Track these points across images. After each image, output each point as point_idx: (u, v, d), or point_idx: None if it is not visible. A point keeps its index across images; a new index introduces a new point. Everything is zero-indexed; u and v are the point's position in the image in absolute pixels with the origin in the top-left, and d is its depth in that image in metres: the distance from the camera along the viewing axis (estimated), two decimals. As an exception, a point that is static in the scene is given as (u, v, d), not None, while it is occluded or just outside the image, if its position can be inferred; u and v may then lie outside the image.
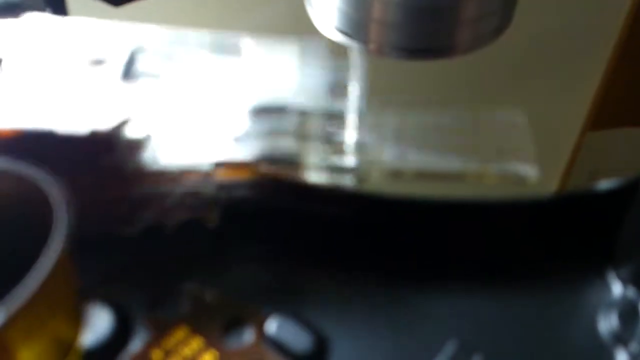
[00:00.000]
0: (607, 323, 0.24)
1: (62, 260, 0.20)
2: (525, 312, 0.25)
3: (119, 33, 0.26)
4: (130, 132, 0.24)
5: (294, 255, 0.27)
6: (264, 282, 0.26)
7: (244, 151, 0.25)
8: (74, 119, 0.23)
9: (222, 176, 0.26)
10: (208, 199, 0.26)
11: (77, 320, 0.22)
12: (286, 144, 0.25)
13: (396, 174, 0.25)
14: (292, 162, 0.25)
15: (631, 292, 0.25)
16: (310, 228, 0.27)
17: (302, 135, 0.25)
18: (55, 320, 0.21)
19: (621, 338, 0.24)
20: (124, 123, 0.23)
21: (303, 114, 0.25)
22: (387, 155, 0.25)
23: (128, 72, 0.25)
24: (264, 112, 0.24)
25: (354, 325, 0.24)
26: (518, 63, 0.36)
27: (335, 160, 0.25)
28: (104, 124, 0.23)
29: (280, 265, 0.26)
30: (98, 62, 0.25)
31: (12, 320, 0.18)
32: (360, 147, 0.25)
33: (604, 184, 0.27)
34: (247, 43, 0.25)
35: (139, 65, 0.26)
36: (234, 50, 0.25)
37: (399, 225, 0.27)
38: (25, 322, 0.19)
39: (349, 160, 0.25)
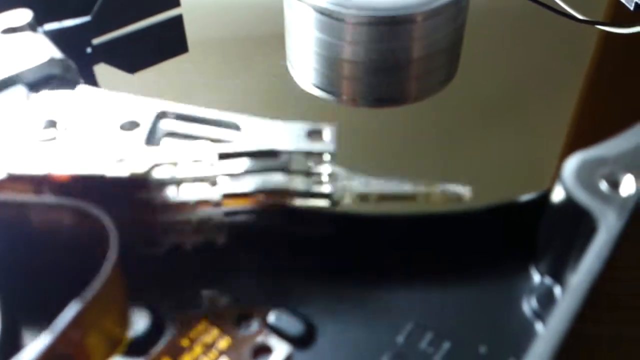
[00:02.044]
0: (529, 304, 0.29)
1: (114, 272, 0.25)
2: (466, 299, 0.30)
3: (144, 102, 0.31)
4: (159, 174, 0.29)
5: (287, 265, 0.31)
6: (264, 286, 0.30)
7: (245, 185, 0.31)
8: (115, 166, 0.28)
9: (229, 205, 0.31)
10: (217, 223, 0.31)
11: (125, 319, 0.27)
12: (277, 178, 0.31)
13: (363, 197, 0.30)
14: (282, 192, 0.31)
15: (548, 280, 0.30)
16: (298, 243, 0.32)
17: (289, 171, 0.30)
18: (109, 318, 0.26)
19: (540, 315, 0.29)
20: (153, 168, 0.28)
21: (289, 154, 0.30)
22: (355, 183, 0.31)
23: (154, 132, 0.30)
24: (260, 155, 0.30)
25: (335, 314, 0.29)
26: (489, 103, 0.42)
27: (315, 188, 0.30)
28: (138, 169, 0.28)
29: (276, 273, 0.31)
30: (132, 124, 0.30)
31: (87, 307, 0.24)
32: (333, 177, 0.30)
33: (526, 196, 0.32)
34: (245, 121, 0.31)
35: (161, 126, 0.31)
36: (234, 127, 0.31)
37: (367, 237, 0.32)
38: (92, 314, 0.24)
39: (326, 188, 0.30)
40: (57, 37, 0.38)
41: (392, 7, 0.41)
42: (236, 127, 0.31)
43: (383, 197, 0.30)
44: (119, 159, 0.28)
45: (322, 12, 0.42)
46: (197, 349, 0.28)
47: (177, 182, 0.30)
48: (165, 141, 0.31)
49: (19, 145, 0.29)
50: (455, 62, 0.44)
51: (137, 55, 0.47)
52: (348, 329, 0.29)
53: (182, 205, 0.30)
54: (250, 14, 0.50)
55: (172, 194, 0.30)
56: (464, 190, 0.30)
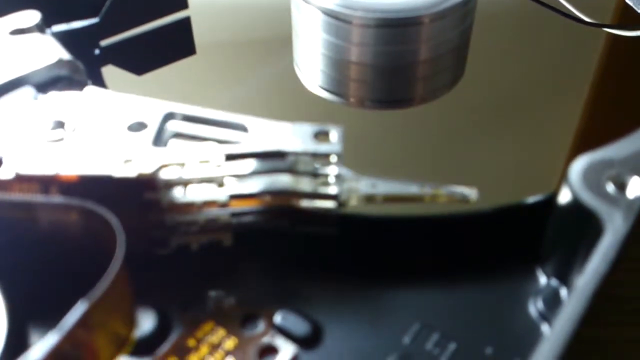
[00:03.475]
0: (535, 306, 0.29)
1: (121, 272, 0.25)
2: (472, 300, 0.30)
3: (151, 103, 0.31)
4: (166, 175, 0.29)
5: (293, 265, 0.31)
6: (270, 286, 0.31)
7: (252, 186, 0.31)
8: (123, 167, 0.28)
9: (235, 206, 0.31)
10: (224, 224, 0.31)
11: (131, 318, 0.28)
12: (284, 179, 0.31)
13: (369, 199, 0.31)
14: (289, 193, 0.31)
15: (554, 282, 0.30)
16: (304, 243, 0.32)
17: (295, 172, 0.30)
18: (116, 317, 0.26)
19: (546, 317, 0.29)
20: (160, 168, 0.29)
21: (296, 155, 0.30)
22: (362, 184, 0.31)
23: (161, 133, 0.30)
24: (266, 156, 0.30)
25: (341, 315, 0.29)
26: (496, 105, 0.42)
27: (322, 190, 0.31)
28: (146, 169, 0.28)
29: (282, 273, 0.31)
30: (139, 125, 0.30)
31: (94, 307, 0.24)
32: (340, 179, 0.30)
33: (532, 198, 0.32)
34: (252, 122, 0.31)
35: (169, 127, 0.31)
36: (241, 128, 0.31)
37: (373, 237, 0.32)
38: (99, 313, 0.25)
39: (332, 189, 0.30)
40: (65, 39, 0.38)
41: (399, 9, 0.41)
42: (243, 129, 0.31)
43: (389, 199, 0.30)
44: (127, 160, 0.29)
45: (329, 14, 0.42)
46: (204, 349, 0.28)
47: (184, 183, 0.30)
48: (173, 142, 0.31)
49: (27, 145, 0.29)
50: (462, 64, 0.44)
51: (145, 57, 0.47)
52: (354, 330, 0.29)
53: (189, 206, 0.30)
54: (257, 16, 0.51)
55: (179, 194, 0.30)
56: (470, 192, 0.30)
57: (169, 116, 0.31)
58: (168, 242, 0.31)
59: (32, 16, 0.37)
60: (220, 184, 0.30)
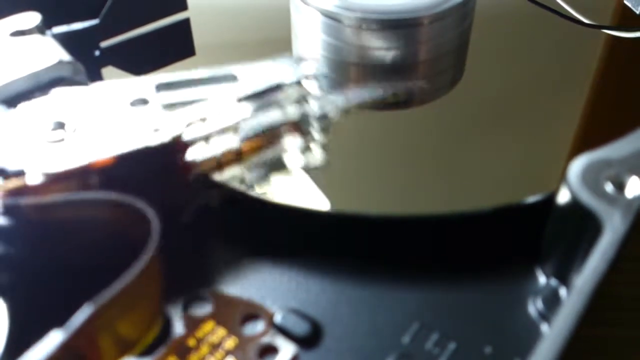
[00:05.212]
0: (535, 305, 0.29)
1: (152, 265, 0.26)
2: (472, 300, 0.30)
3: (142, 81, 0.32)
4: (190, 134, 0.30)
5: (293, 265, 0.31)
6: (270, 286, 0.31)
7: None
8: (155, 135, 0.29)
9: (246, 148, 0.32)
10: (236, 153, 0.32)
11: (145, 322, 0.28)
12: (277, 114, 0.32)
13: (347, 111, 0.32)
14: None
15: (553, 282, 0.30)
16: (304, 242, 0.32)
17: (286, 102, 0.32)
18: (125, 321, 0.26)
19: (545, 316, 0.29)
20: (186, 128, 0.30)
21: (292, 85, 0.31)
22: (337, 99, 0.32)
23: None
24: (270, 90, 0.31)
25: (341, 314, 0.29)
26: (495, 105, 0.42)
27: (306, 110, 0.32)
28: (176, 132, 0.30)
29: (282, 273, 0.31)
30: (142, 101, 0.31)
31: (99, 310, 0.24)
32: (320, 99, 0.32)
33: (531, 198, 0.32)
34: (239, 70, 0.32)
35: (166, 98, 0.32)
36: (231, 79, 0.32)
37: (373, 237, 0.32)
38: (105, 317, 0.25)
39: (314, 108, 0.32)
40: (65, 40, 0.38)
41: (398, 10, 0.41)
42: (233, 79, 0.32)
43: (363, 107, 0.33)
44: (155, 129, 0.29)
45: (328, 15, 0.42)
46: (204, 349, 0.28)
47: (206, 138, 0.31)
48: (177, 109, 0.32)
49: (37, 144, 0.30)
50: (461, 65, 0.44)
51: (144, 58, 0.47)
52: (354, 329, 0.29)
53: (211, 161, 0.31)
54: (257, 17, 0.51)
55: (202, 150, 0.31)
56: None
57: (161, 87, 0.32)
58: (189, 207, 0.31)
59: (32, 18, 0.37)
60: (235, 130, 0.31)
